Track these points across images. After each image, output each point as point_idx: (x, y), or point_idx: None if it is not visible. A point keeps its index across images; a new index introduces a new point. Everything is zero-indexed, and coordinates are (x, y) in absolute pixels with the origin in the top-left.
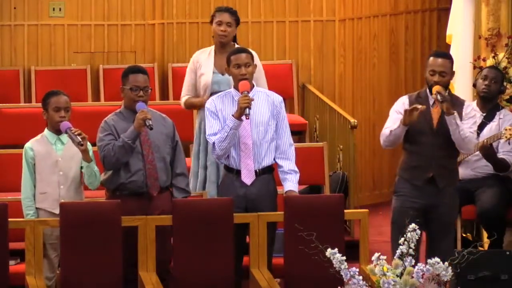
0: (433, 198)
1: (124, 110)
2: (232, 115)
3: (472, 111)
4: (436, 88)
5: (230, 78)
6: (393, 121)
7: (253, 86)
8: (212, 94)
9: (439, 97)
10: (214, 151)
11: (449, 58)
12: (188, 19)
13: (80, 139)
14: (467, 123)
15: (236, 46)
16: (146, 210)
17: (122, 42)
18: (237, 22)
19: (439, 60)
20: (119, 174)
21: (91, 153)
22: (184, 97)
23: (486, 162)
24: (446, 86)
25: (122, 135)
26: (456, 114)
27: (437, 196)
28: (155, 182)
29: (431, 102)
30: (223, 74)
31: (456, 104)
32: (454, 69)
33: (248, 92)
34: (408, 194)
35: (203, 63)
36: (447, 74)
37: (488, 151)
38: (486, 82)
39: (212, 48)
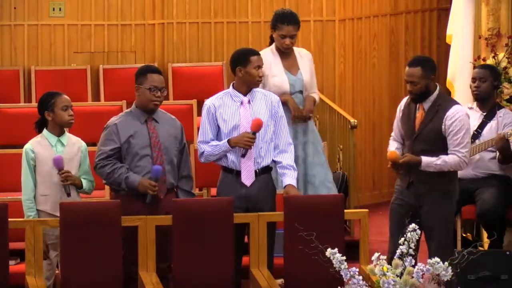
0: (415, 201)
1: (135, 109)
2: (228, 141)
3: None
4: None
5: (303, 78)
6: (395, 124)
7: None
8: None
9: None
10: (200, 158)
11: (418, 65)
12: (188, 19)
13: (65, 186)
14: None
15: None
16: (152, 210)
17: (122, 42)
18: (299, 27)
19: (408, 69)
20: None
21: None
22: None
23: (487, 162)
24: (421, 93)
25: (126, 177)
26: (423, 163)
27: (418, 200)
28: (163, 185)
29: (417, 107)
30: (294, 75)
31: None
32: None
33: (256, 133)
34: (398, 191)
35: (272, 63)
36: (417, 82)
37: (505, 143)
38: (475, 84)
39: (272, 49)
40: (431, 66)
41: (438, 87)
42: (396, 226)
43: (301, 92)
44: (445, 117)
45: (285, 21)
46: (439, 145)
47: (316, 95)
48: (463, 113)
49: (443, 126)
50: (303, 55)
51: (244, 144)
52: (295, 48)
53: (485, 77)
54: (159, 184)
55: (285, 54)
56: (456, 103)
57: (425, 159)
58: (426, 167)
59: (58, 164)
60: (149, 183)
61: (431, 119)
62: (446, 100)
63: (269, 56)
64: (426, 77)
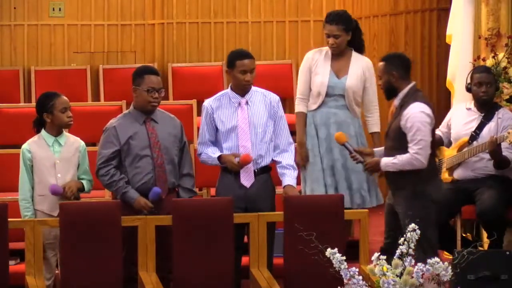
0: (392, 199)
1: (134, 111)
2: (219, 158)
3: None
4: (338, 139)
5: (345, 82)
6: None
7: (251, 87)
8: (326, 96)
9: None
10: (198, 156)
11: (383, 61)
12: (188, 19)
13: (72, 195)
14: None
15: (353, 50)
16: (155, 210)
17: (122, 42)
18: (347, 28)
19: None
20: (129, 177)
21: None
22: (299, 105)
23: (486, 163)
24: (386, 88)
25: (124, 192)
26: (382, 163)
27: (393, 198)
28: (164, 185)
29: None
30: (339, 78)
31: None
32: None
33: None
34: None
35: (319, 62)
36: (381, 76)
37: (495, 148)
38: (483, 89)
39: (328, 49)
40: (396, 62)
41: (410, 85)
42: (386, 220)
43: (342, 96)
44: (403, 114)
45: (328, 20)
46: (403, 143)
47: (373, 117)
48: (417, 111)
49: (401, 124)
50: (359, 61)
51: (230, 168)
52: (355, 54)
53: (491, 81)
54: (160, 183)
55: (339, 56)
56: (418, 100)
57: (383, 160)
58: (385, 167)
59: (56, 192)
60: (145, 202)
61: (396, 117)
62: (411, 98)
63: (318, 55)
64: (388, 73)
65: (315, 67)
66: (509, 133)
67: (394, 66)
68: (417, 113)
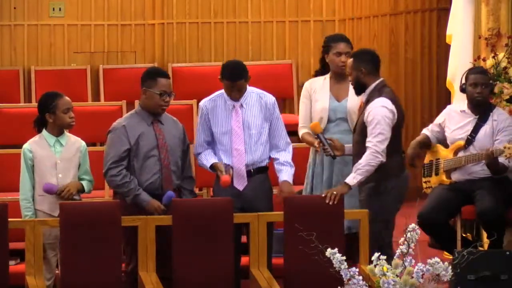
0: (360, 195)
1: (141, 111)
2: (211, 167)
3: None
4: (313, 129)
5: (346, 105)
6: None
7: (246, 89)
8: (328, 121)
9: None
10: (196, 157)
11: (352, 57)
12: (188, 19)
13: (68, 196)
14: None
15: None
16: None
17: (122, 42)
18: (352, 48)
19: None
20: (136, 177)
21: (85, 167)
22: (301, 130)
23: (483, 166)
24: (355, 84)
25: (136, 195)
26: (349, 181)
27: (359, 194)
28: (170, 186)
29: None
30: (339, 101)
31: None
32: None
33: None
34: None
35: (318, 89)
36: (350, 73)
37: (493, 160)
38: (478, 90)
39: (326, 76)
40: (365, 58)
41: (378, 81)
42: None
43: (345, 120)
44: (366, 109)
45: (338, 39)
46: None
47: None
48: (379, 105)
49: (364, 118)
50: None
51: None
52: None
53: (486, 82)
54: (166, 184)
55: (338, 80)
56: (383, 96)
57: (347, 179)
58: (354, 180)
59: (50, 191)
60: (158, 205)
61: (362, 112)
62: (376, 93)
63: (316, 83)
64: (356, 69)
65: (314, 95)
66: (505, 147)
67: (363, 62)
68: (379, 108)
